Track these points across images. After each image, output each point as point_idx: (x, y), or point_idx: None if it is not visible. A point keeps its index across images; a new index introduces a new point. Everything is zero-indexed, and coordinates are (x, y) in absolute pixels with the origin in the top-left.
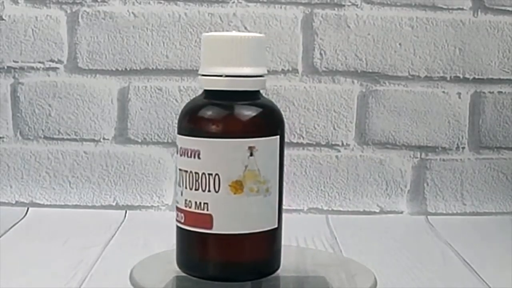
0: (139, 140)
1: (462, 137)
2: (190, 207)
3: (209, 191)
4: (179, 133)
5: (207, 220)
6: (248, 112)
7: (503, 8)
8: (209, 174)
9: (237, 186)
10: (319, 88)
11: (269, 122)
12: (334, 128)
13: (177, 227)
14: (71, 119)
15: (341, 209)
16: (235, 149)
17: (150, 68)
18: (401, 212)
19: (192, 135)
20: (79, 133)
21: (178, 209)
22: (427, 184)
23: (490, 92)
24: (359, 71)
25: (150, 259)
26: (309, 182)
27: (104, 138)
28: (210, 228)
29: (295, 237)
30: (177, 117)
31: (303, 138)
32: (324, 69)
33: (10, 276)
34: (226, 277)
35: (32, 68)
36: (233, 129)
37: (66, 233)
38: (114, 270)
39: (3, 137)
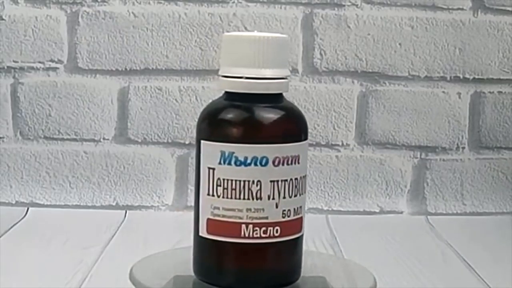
0: (139, 140)
1: (462, 137)
2: (289, 216)
3: (302, 194)
4: (265, 142)
5: (299, 224)
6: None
7: (503, 8)
8: (304, 177)
9: (306, 184)
10: (319, 88)
11: None
12: (334, 128)
13: (258, 245)
14: (71, 119)
15: (341, 209)
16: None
17: (150, 68)
18: (401, 212)
19: (292, 141)
20: (79, 133)
21: (265, 224)
22: (427, 184)
23: (490, 92)
24: (359, 71)
25: (150, 258)
26: (309, 182)
27: (104, 138)
28: (300, 230)
29: None
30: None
31: None
32: (324, 69)
33: (10, 276)
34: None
35: (32, 68)
36: (307, 130)
37: (66, 233)
38: (114, 270)
39: (3, 137)
